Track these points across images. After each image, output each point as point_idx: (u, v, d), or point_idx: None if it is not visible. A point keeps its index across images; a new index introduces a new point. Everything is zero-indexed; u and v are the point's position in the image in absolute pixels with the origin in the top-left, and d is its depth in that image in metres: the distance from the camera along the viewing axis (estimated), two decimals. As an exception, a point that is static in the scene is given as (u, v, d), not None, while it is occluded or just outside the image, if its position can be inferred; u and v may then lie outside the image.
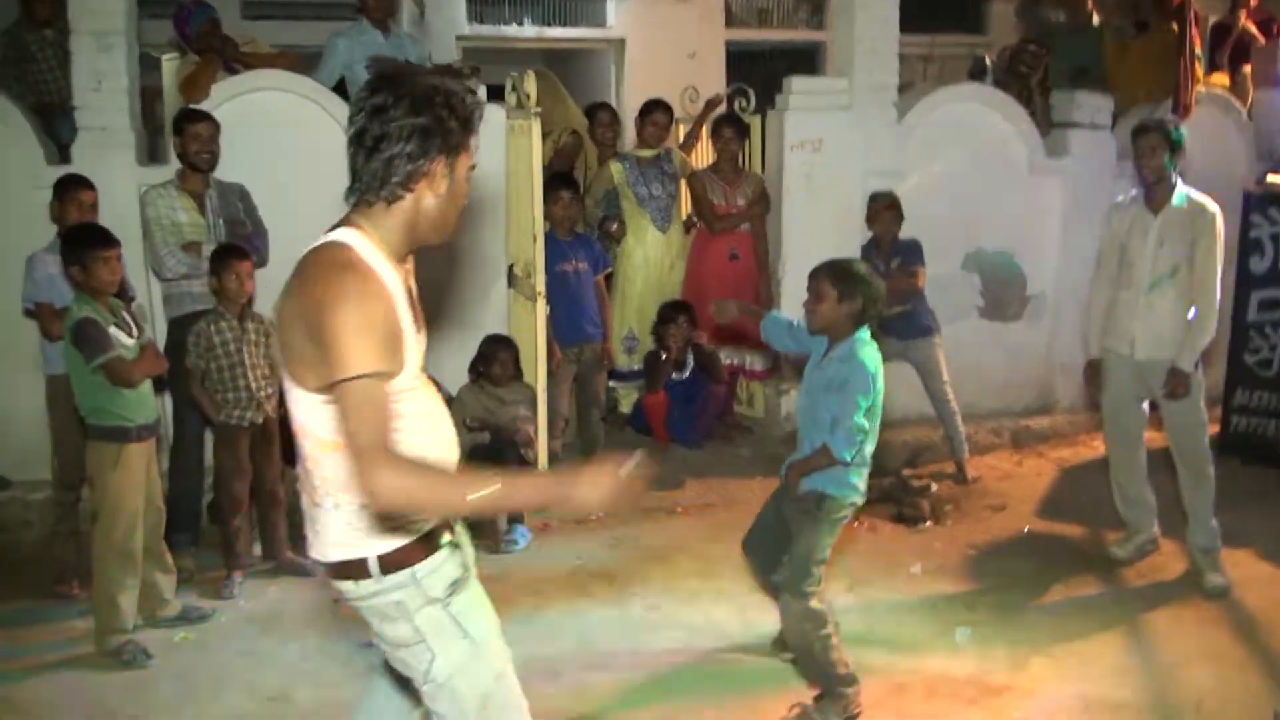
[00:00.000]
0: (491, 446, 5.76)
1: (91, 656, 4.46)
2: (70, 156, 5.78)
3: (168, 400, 5.61)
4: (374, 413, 2.15)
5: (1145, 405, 5.28)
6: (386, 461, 2.13)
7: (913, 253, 6.47)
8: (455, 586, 2.45)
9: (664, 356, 6.64)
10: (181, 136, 5.40)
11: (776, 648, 4.36)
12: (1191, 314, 4.94)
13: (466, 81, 2.31)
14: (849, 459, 3.81)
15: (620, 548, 5.57)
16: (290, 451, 5.52)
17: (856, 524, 5.99)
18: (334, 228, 2.33)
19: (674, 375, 6.71)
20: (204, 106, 5.74)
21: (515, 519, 5.67)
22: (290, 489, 5.59)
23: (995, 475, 6.69)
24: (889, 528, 5.98)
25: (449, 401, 5.95)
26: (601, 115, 7.49)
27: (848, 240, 6.75)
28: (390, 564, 2.37)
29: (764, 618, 4.68)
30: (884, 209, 6.50)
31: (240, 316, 5.11)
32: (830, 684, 3.87)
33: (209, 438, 5.45)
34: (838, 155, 6.78)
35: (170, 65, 6.26)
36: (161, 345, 5.49)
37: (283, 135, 6.02)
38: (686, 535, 5.71)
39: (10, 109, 5.80)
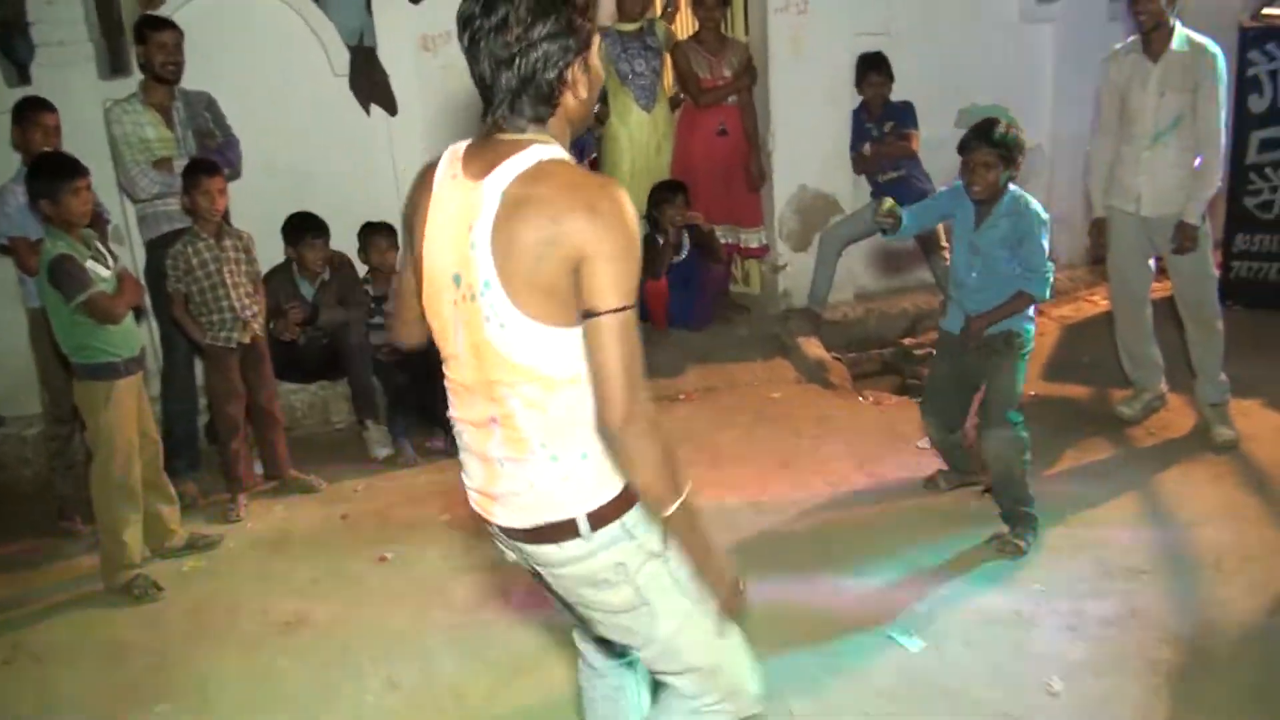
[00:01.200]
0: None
1: (102, 593, 4.44)
2: (30, 76, 5.56)
3: (154, 325, 5.51)
4: (638, 344, 1.99)
5: (1151, 261, 5.18)
6: (646, 397, 1.98)
7: (905, 115, 6.30)
8: (666, 539, 2.19)
9: (662, 240, 6.45)
10: (145, 46, 5.16)
11: (930, 485, 4.79)
12: (1197, 162, 4.80)
13: None
14: (1049, 296, 4.23)
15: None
16: (286, 370, 5.47)
17: (861, 398, 5.95)
18: (502, 144, 2.05)
19: (673, 258, 6.55)
20: (162, 11, 5.49)
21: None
22: (283, 407, 5.55)
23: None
24: (893, 400, 5.93)
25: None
26: None
27: (838, 106, 6.60)
28: (599, 518, 2.12)
29: (778, 502, 4.66)
30: (872, 71, 6.32)
31: (217, 235, 4.96)
32: (1024, 504, 4.23)
33: (199, 361, 5.35)
34: (824, 16, 6.55)
35: (130, -35, 5.99)
36: (141, 269, 5.39)
37: (246, 37, 5.80)
38: (691, 423, 5.65)
39: (-39, 31, 5.56)
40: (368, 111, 5.95)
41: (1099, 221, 5.18)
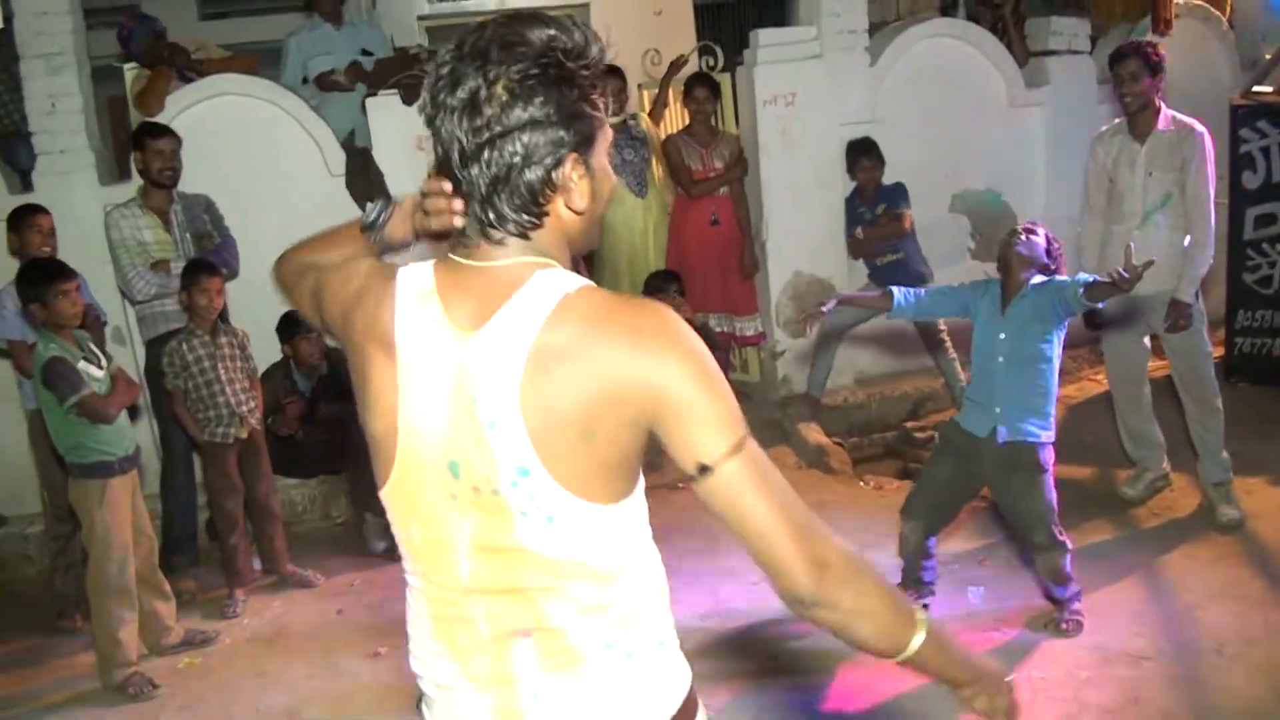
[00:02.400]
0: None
1: (98, 691, 4.42)
2: (32, 184, 5.68)
3: (154, 423, 5.55)
4: (779, 475, 1.54)
5: (1147, 340, 5.18)
6: (824, 532, 1.53)
7: (897, 196, 6.37)
8: None
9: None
10: (143, 153, 5.29)
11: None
12: (1187, 241, 4.81)
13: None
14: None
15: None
16: (286, 466, 5.48)
17: (862, 483, 5.92)
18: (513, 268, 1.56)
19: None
20: (161, 118, 5.62)
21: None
22: (284, 502, 5.56)
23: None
24: (895, 484, 5.90)
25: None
26: None
27: (829, 193, 6.66)
28: None
29: (771, 595, 4.61)
30: (863, 157, 6.40)
31: (213, 332, 5.02)
32: (1069, 589, 4.17)
33: (198, 457, 5.38)
34: (812, 106, 6.64)
35: (132, 74, 6.14)
36: (141, 367, 5.44)
37: (243, 140, 5.92)
38: (688, 512, 5.57)
39: (-37, 141, 5.70)
40: (363, 209, 6.01)
41: (1091, 302, 5.18)
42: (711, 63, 7.37)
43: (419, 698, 1.74)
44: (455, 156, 1.51)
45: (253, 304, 5.65)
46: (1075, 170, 5.66)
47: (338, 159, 6.00)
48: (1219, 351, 6.00)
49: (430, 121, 1.54)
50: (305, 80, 6.30)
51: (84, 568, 4.56)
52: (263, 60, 6.54)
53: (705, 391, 1.48)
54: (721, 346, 6.78)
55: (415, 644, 1.72)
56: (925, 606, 4.30)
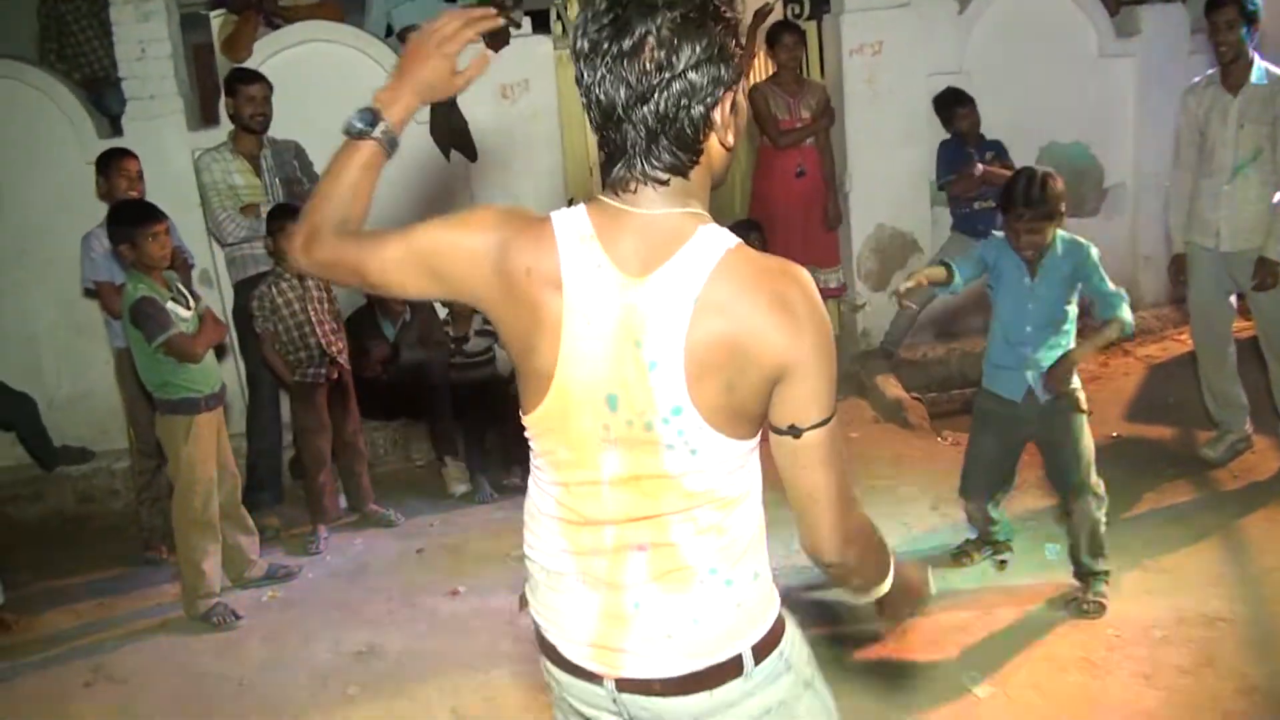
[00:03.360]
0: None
1: (182, 621, 4.58)
2: (121, 128, 5.80)
3: (240, 363, 5.67)
4: (845, 458, 1.73)
5: (1233, 298, 5.08)
6: (861, 513, 1.76)
7: (1004, 150, 6.24)
8: (811, 657, 1.91)
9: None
10: (234, 98, 5.36)
11: (960, 557, 4.49)
12: (1277, 198, 4.71)
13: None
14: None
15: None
16: (368, 408, 5.58)
17: (940, 439, 5.89)
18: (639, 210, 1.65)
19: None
20: (248, 64, 5.69)
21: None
22: (366, 443, 5.66)
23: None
24: (972, 440, 5.85)
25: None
26: None
27: (914, 145, 6.57)
28: (762, 649, 1.77)
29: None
30: (958, 105, 6.26)
31: (300, 275, 5.10)
32: (1102, 557, 4.06)
33: (285, 396, 5.50)
34: (899, 57, 6.55)
35: (219, 21, 6.22)
36: (229, 309, 5.56)
37: (331, 87, 5.93)
38: (764, 464, 5.62)
39: (56, 86, 5.83)
40: (448, 157, 6.07)
41: (1178, 258, 5.10)
42: (797, 10, 7.28)
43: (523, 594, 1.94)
44: (621, 100, 1.57)
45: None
46: (1165, 123, 5.55)
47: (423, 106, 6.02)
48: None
49: (587, 66, 1.59)
50: (390, 30, 6.33)
51: (170, 501, 4.69)
52: (346, 9, 6.59)
53: (823, 367, 1.62)
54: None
55: (535, 534, 1.86)
56: (1003, 563, 4.37)
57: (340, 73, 6.00)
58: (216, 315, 4.72)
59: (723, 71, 1.58)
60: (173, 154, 5.68)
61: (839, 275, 6.81)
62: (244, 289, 5.40)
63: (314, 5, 6.42)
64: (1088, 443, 4.00)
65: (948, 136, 6.37)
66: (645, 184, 1.63)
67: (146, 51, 5.72)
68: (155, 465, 5.15)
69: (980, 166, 6.17)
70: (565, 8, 5.85)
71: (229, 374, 5.52)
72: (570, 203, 6.22)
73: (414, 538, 5.24)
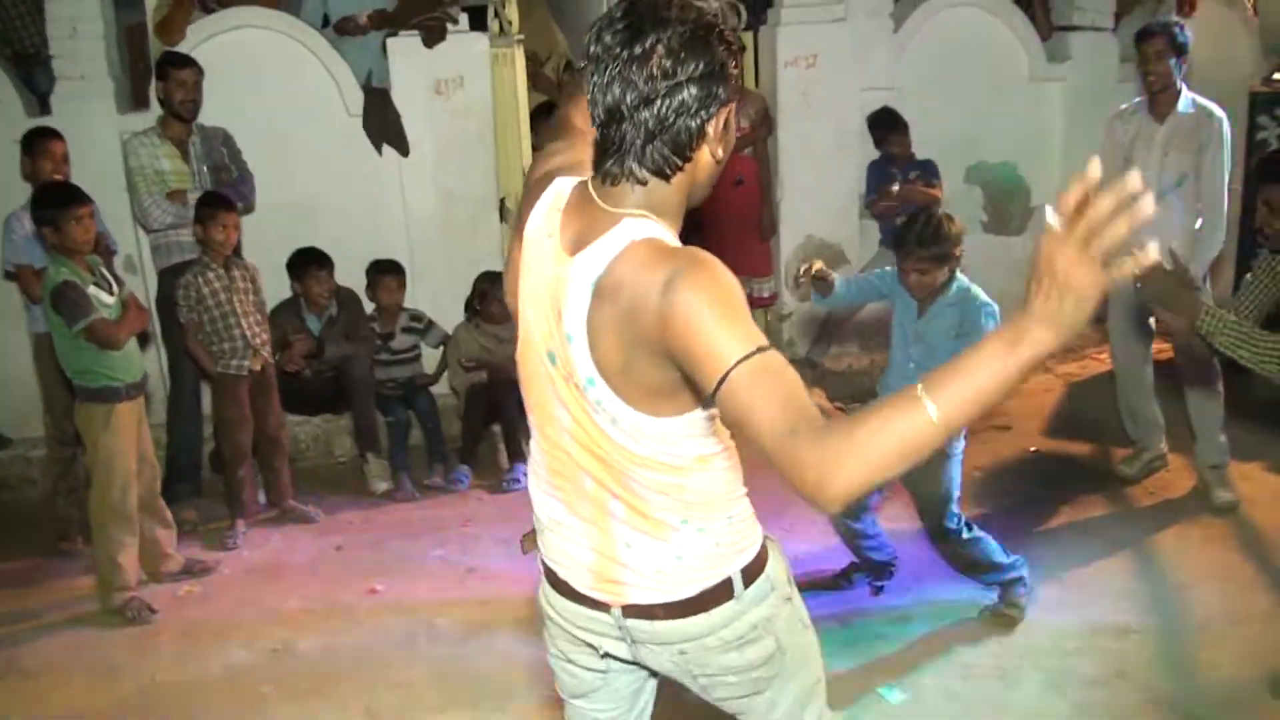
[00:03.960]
0: (490, 386, 5.72)
1: (96, 614, 4.49)
2: (50, 107, 5.68)
3: (162, 352, 5.58)
4: (781, 386, 1.59)
5: (1152, 320, 5.19)
6: (818, 440, 1.52)
7: (931, 169, 6.30)
8: (789, 574, 2.07)
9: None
10: (165, 82, 5.28)
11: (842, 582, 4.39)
12: (1199, 224, 4.82)
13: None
14: None
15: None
16: (291, 402, 5.52)
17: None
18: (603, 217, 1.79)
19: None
20: (181, 48, 5.60)
21: (517, 456, 5.64)
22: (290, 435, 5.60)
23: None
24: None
25: (444, 341, 5.94)
26: None
27: (846, 158, 6.64)
28: (750, 574, 1.97)
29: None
30: (893, 132, 6.33)
31: (226, 265, 5.05)
32: (1004, 574, 4.01)
33: (206, 387, 5.42)
34: (833, 70, 6.60)
35: (153, 3, 6.10)
36: (153, 296, 5.46)
37: (263, 75, 5.89)
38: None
39: (-17, 61, 5.68)
40: (380, 152, 6.02)
41: (1099, 278, 5.19)
42: (735, 21, 7.32)
43: (527, 534, 2.16)
44: (626, 101, 1.71)
45: (264, 239, 5.65)
46: (1093, 146, 5.57)
47: (356, 99, 5.98)
48: (1225, 336, 6.00)
49: (597, 68, 1.73)
50: (326, 21, 6.27)
51: (86, 491, 4.62)
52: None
53: (707, 325, 1.62)
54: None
55: (534, 484, 2.07)
56: (879, 589, 4.32)
57: (274, 61, 5.92)
58: (140, 302, 4.63)
59: (720, 89, 1.73)
60: (101, 136, 5.56)
61: (771, 284, 6.85)
62: (168, 276, 5.32)
63: (250, -8, 6.33)
64: (941, 488, 3.83)
65: (878, 155, 6.45)
66: (626, 181, 1.78)
67: (78, 30, 5.59)
68: (72, 454, 5.05)
69: (897, 186, 6.27)
70: (503, 5, 5.83)
71: (151, 363, 5.43)
72: (502, 202, 6.26)
73: (333, 534, 5.18)
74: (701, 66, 1.70)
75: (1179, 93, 4.87)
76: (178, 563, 4.79)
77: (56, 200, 4.27)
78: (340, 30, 6.17)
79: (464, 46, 6.03)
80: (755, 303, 6.98)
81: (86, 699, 3.95)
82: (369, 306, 5.90)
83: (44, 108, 5.72)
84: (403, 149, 6.02)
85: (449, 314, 6.01)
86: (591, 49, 1.74)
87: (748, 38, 7.03)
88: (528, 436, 2.06)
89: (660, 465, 1.85)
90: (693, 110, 1.72)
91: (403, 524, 5.25)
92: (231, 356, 5.08)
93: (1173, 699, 3.61)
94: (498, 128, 6.11)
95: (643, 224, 1.76)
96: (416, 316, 5.99)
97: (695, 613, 1.94)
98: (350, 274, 5.78)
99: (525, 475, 5.46)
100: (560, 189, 1.90)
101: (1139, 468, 5.30)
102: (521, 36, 5.67)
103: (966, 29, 6.86)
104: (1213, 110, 4.83)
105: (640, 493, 1.88)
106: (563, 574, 2.03)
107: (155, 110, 5.44)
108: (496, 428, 5.84)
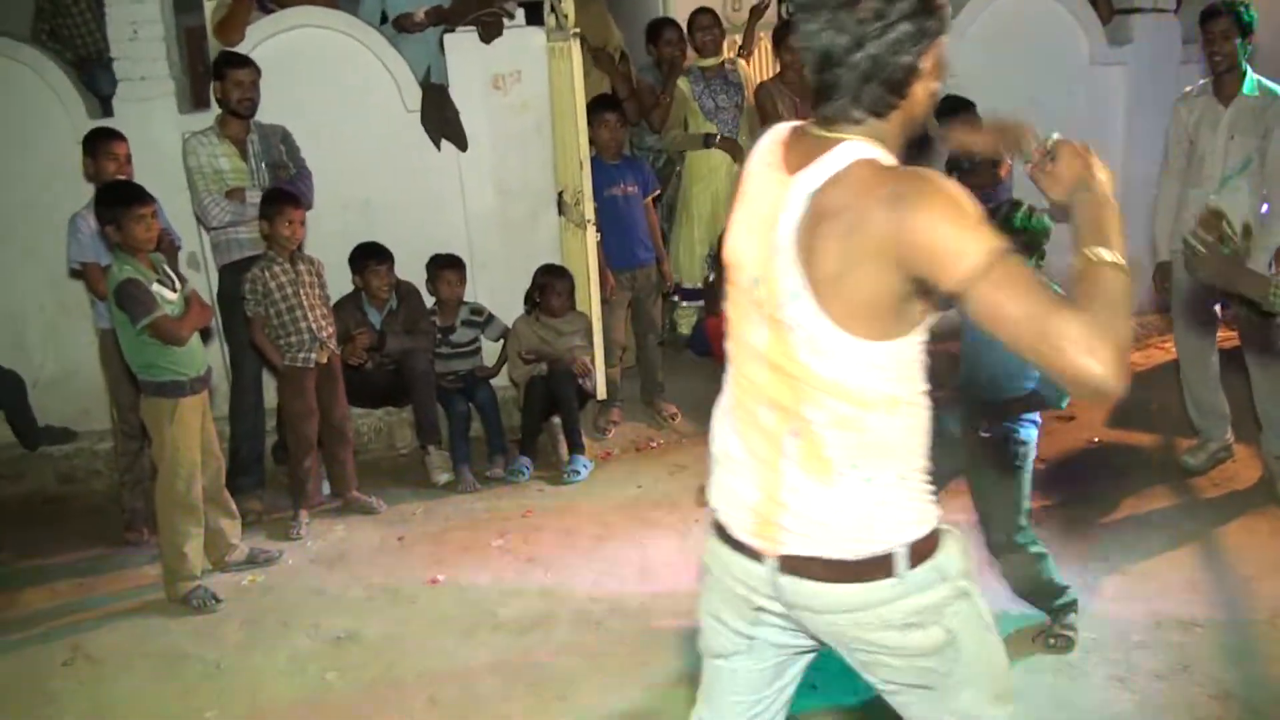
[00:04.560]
0: (549, 378, 5.75)
1: (162, 603, 4.56)
2: (112, 109, 5.77)
3: (224, 347, 5.66)
4: (1027, 277, 1.68)
5: (1216, 307, 5.11)
6: (1076, 318, 1.63)
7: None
8: (970, 570, 2.02)
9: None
10: (222, 82, 5.33)
11: None
12: (1264, 209, 4.74)
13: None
14: (1063, 404, 3.75)
15: (681, 475, 5.54)
16: (353, 395, 5.57)
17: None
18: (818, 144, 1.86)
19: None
20: (240, 48, 5.67)
21: (576, 448, 5.67)
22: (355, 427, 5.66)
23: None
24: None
25: (504, 334, 5.98)
26: (668, 33, 6.90)
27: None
28: (918, 554, 1.93)
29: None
30: (956, 117, 6.27)
31: (292, 260, 5.11)
32: (1055, 596, 3.83)
33: (268, 380, 5.49)
34: (892, 58, 6.54)
35: (212, 4, 6.19)
36: (214, 292, 5.54)
37: (321, 73, 5.94)
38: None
39: (47, 64, 5.77)
40: (438, 147, 6.06)
41: (1163, 266, 5.13)
42: (791, 9, 7.29)
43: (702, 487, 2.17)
44: (840, 46, 1.80)
45: (323, 236, 5.71)
46: (1155, 132, 5.56)
47: (414, 95, 6.03)
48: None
49: (809, 16, 1.83)
50: (384, 18, 6.32)
51: (152, 483, 4.68)
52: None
53: (945, 229, 1.69)
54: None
55: (717, 418, 2.10)
56: None
57: (332, 59, 5.97)
58: (202, 299, 4.71)
59: (930, 23, 1.81)
60: (162, 136, 5.65)
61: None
62: (228, 273, 5.39)
63: (309, -9, 6.39)
64: (1013, 500, 3.70)
65: None
66: (843, 121, 1.86)
67: (139, 33, 5.68)
68: (139, 447, 5.14)
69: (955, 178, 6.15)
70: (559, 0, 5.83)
71: (214, 357, 5.49)
72: (560, 195, 6.28)
73: (395, 525, 5.23)
74: (910, 3, 1.78)
75: (1245, 74, 4.79)
76: (242, 553, 4.85)
77: (119, 199, 4.34)
78: (399, 27, 6.21)
79: (521, 41, 6.05)
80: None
81: (151, 686, 4.02)
82: (429, 300, 5.94)
83: (106, 109, 5.82)
84: (461, 144, 6.05)
85: (509, 307, 6.04)
86: (799, 2, 1.85)
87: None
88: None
89: (846, 394, 1.85)
90: (906, 47, 1.79)
91: (464, 515, 5.29)
92: (299, 349, 5.14)
93: (1239, 693, 3.55)
94: (555, 121, 6.12)
95: (863, 145, 1.83)
96: (476, 310, 6.02)
97: (851, 580, 1.91)
98: (410, 269, 5.83)
99: (585, 466, 5.57)
100: (778, 129, 1.99)
101: (1204, 459, 5.21)
102: (578, 30, 5.66)
103: (1025, 14, 6.78)
104: (1278, 91, 4.74)
105: (816, 429, 1.88)
106: (723, 516, 2.07)
107: (215, 110, 5.50)
108: (556, 420, 5.86)
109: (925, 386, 1.92)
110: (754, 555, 2.01)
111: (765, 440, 1.96)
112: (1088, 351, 1.61)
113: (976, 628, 2.01)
